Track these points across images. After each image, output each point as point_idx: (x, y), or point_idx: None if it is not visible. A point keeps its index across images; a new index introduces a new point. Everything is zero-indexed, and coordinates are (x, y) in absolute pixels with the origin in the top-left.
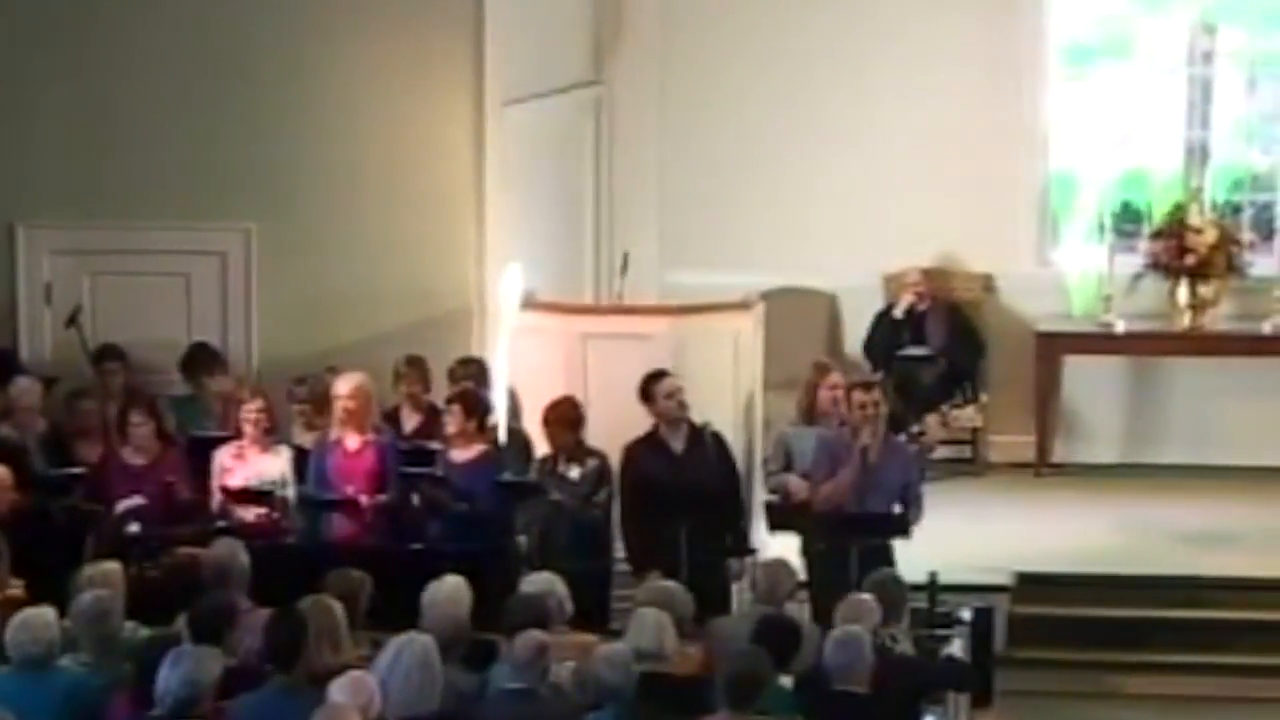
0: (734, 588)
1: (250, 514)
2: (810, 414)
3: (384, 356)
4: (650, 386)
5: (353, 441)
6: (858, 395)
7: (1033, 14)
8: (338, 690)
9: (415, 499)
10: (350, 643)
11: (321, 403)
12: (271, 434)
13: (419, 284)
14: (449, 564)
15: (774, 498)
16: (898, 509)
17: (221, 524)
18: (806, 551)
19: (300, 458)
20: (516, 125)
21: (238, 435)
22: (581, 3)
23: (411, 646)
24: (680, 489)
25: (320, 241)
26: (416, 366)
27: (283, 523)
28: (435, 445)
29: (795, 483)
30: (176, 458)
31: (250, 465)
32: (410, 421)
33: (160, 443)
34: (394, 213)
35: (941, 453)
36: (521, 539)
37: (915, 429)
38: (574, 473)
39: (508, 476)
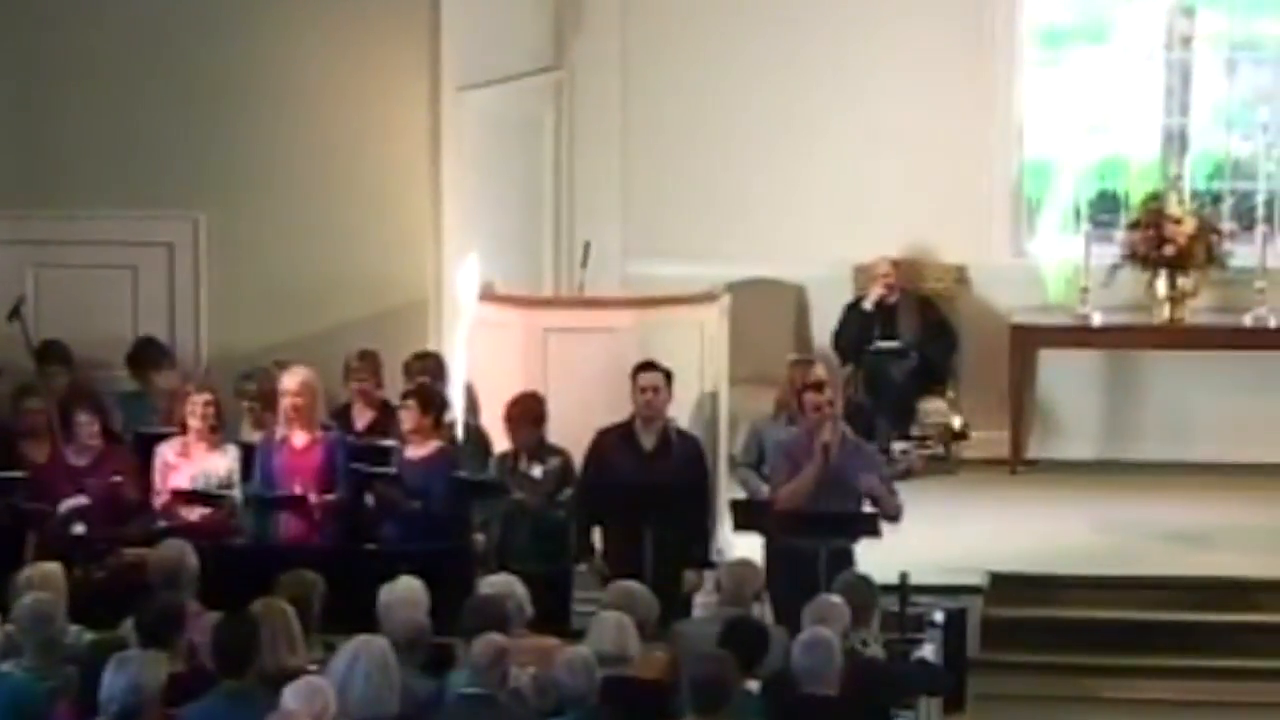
0: (695, 599)
1: (196, 514)
2: (793, 409)
3: (336, 350)
4: (636, 374)
5: (300, 438)
6: (810, 397)
7: None
8: (291, 696)
9: (369, 498)
10: (303, 646)
11: (269, 398)
12: (218, 431)
13: (373, 276)
14: (404, 565)
15: (740, 497)
16: (868, 508)
17: (167, 524)
18: (770, 551)
19: (248, 455)
20: (474, 111)
21: (184, 431)
22: None
23: (369, 649)
24: (645, 488)
25: (271, 232)
26: (369, 361)
27: (231, 523)
28: (389, 442)
29: (756, 486)
30: (122, 456)
31: (196, 463)
32: (363, 418)
33: (105, 441)
34: (347, 202)
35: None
36: (479, 539)
37: (899, 448)
38: (536, 471)
39: (466, 475)
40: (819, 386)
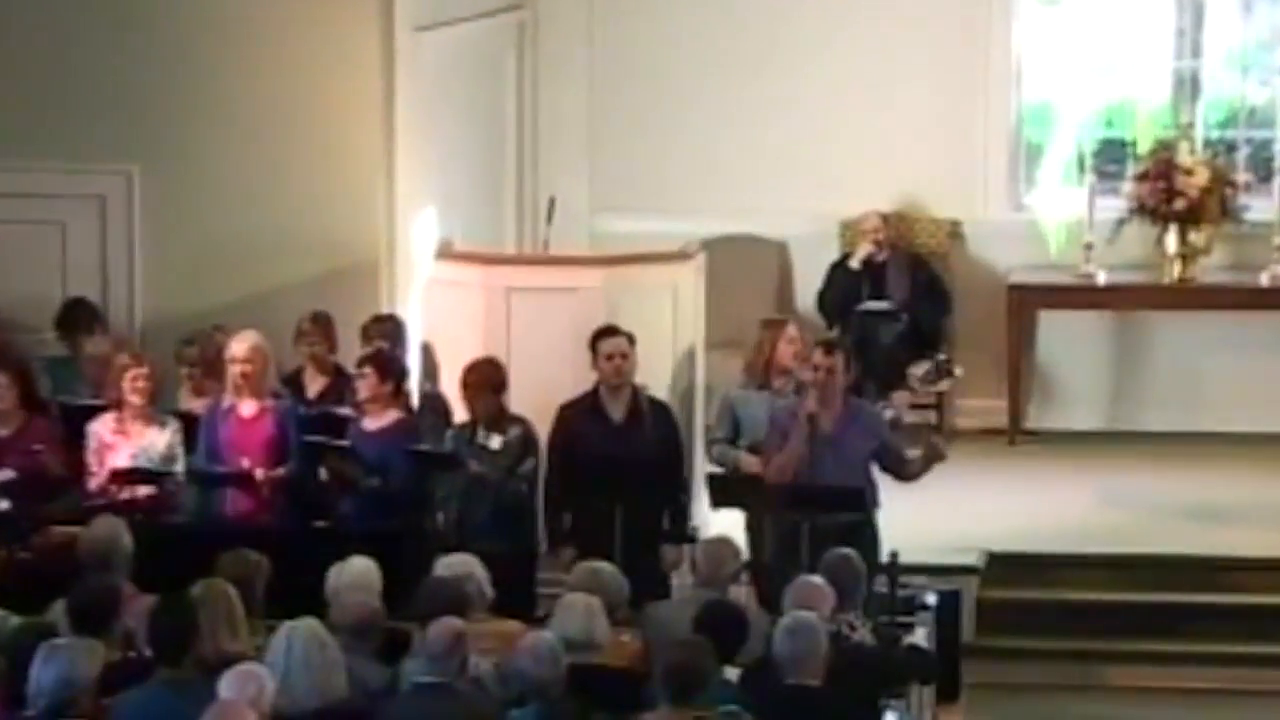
0: (672, 576)
1: (141, 494)
2: (765, 374)
3: (284, 313)
4: (597, 341)
5: (248, 408)
6: (818, 356)
7: None
8: (226, 685)
9: (322, 472)
10: (246, 632)
11: (212, 365)
12: (155, 403)
13: (322, 232)
14: (356, 544)
15: (718, 469)
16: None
17: (100, 501)
18: (751, 528)
19: (188, 426)
20: (430, 54)
21: (116, 404)
22: None
23: (300, 631)
24: (616, 461)
25: (211, 185)
26: (321, 324)
27: (169, 500)
28: (344, 411)
29: (747, 460)
30: (45, 426)
31: (134, 440)
32: (314, 385)
33: (27, 410)
34: (294, 153)
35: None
36: (438, 517)
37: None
38: (495, 442)
39: (422, 446)
40: (829, 348)
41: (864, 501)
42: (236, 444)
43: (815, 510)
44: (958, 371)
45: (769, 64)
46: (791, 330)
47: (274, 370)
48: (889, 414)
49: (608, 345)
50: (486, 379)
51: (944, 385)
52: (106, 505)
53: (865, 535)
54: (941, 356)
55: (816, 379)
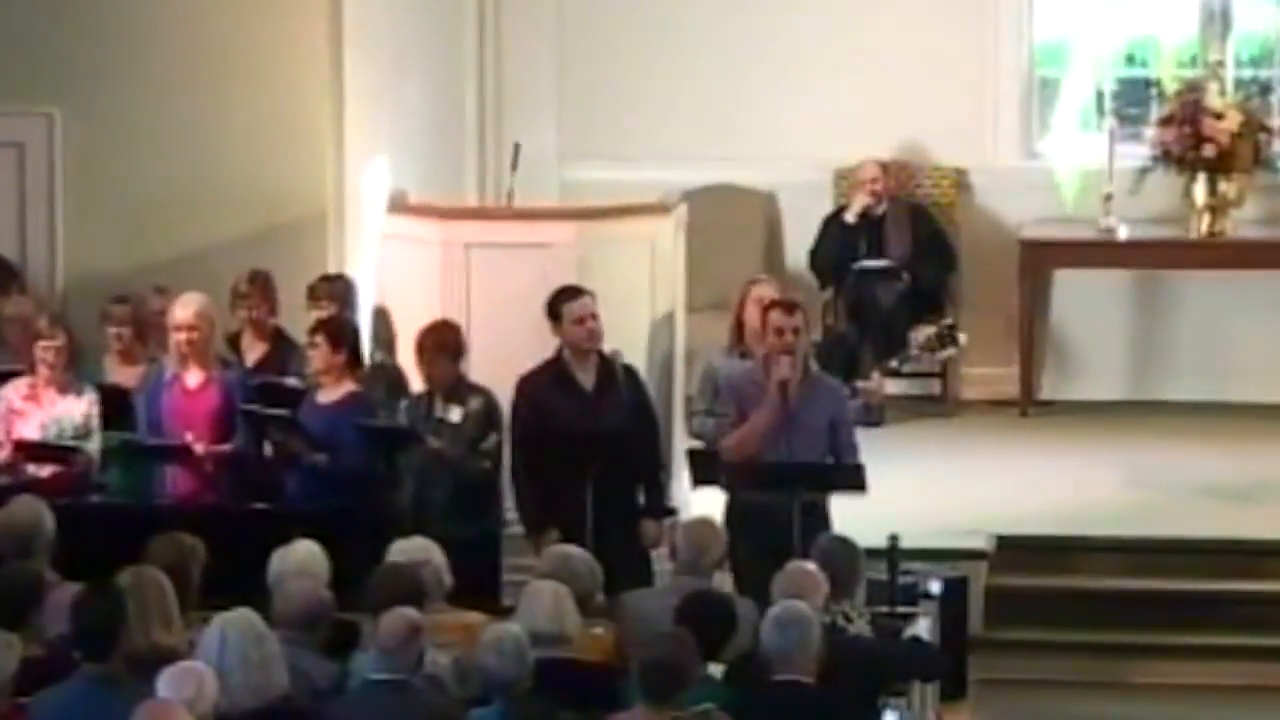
0: (652, 557)
1: (46, 470)
2: (738, 338)
3: (220, 273)
4: (559, 305)
5: (193, 378)
6: (775, 317)
7: None
8: (164, 683)
9: (266, 448)
10: (180, 624)
11: (142, 329)
12: (72, 370)
13: (262, 183)
14: (301, 526)
15: (699, 444)
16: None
17: (10, 481)
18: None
19: (114, 398)
20: None
21: (31, 369)
22: None
23: (235, 623)
24: (588, 434)
25: (141, 131)
26: (259, 285)
27: (86, 479)
28: (290, 382)
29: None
30: None
31: (46, 409)
32: (253, 352)
33: None
34: (232, 96)
35: (902, 387)
36: (393, 497)
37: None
38: (454, 414)
39: (375, 421)
40: (789, 307)
41: (864, 479)
42: (180, 416)
43: (800, 489)
44: (962, 339)
45: None
46: (761, 289)
47: (220, 336)
48: (855, 402)
49: (577, 307)
50: (443, 344)
51: (947, 354)
52: (19, 486)
53: (818, 518)
54: (946, 321)
55: (782, 342)
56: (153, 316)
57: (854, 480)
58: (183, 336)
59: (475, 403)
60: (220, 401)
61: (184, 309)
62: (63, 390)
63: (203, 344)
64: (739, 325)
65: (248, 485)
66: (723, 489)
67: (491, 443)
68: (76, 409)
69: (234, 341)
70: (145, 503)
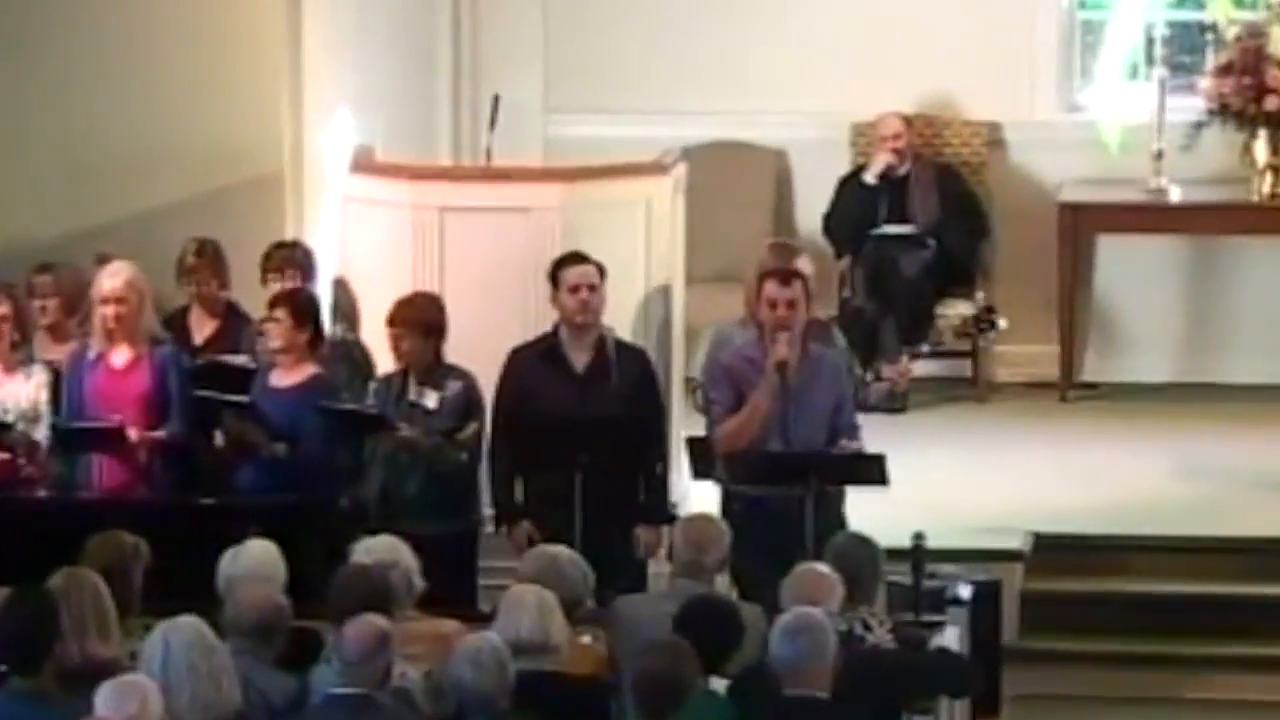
0: (648, 564)
1: None
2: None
3: (166, 238)
4: (557, 270)
5: (120, 356)
6: (771, 289)
7: None
8: (102, 700)
9: (217, 436)
10: (120, 634)
11: (74, 302)
12: (19, 348)
13: (212, 140)
14: (255, 523)
15: (699, 433)
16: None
17: None
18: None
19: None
20: None
21: None
22: None
23: (180, 632)
24: (574, 421)
25: (75, 82)
26: (207, 256)
27: (27, 469)
28: (241, 362)
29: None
30: None
31: None
32: (202, 329)
33: None
34: (176, 42)
35: (928, 368)
36: (359, 490)
37: (884, 370)
38: (430, 399)
39: (341, 404)
40: (785, 276)
41: (885, 471)
42: (105, 399)
43: (822, 483)
44: (1001, 323)
45: None
46: (804, 263)
47: (152, 310)
48: (880, 385)
49: (574, 274)
50: (418, 319)
51: (983, 341)
52: None
53: (831, 511)
54: (981, 301)
55: (777, 317)
56: (83, 288)
57: (874, 472)
58: (109, 310)
59: (454, 387)
60: (151, 382)
61: (109, 279)
62: (9, 369)
63: (131, 318)
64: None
65: (191, 477)
66: (722, 482)
67: (470, 431)
68: (24, 390)
69: (180, 318)
70: (81, 496)
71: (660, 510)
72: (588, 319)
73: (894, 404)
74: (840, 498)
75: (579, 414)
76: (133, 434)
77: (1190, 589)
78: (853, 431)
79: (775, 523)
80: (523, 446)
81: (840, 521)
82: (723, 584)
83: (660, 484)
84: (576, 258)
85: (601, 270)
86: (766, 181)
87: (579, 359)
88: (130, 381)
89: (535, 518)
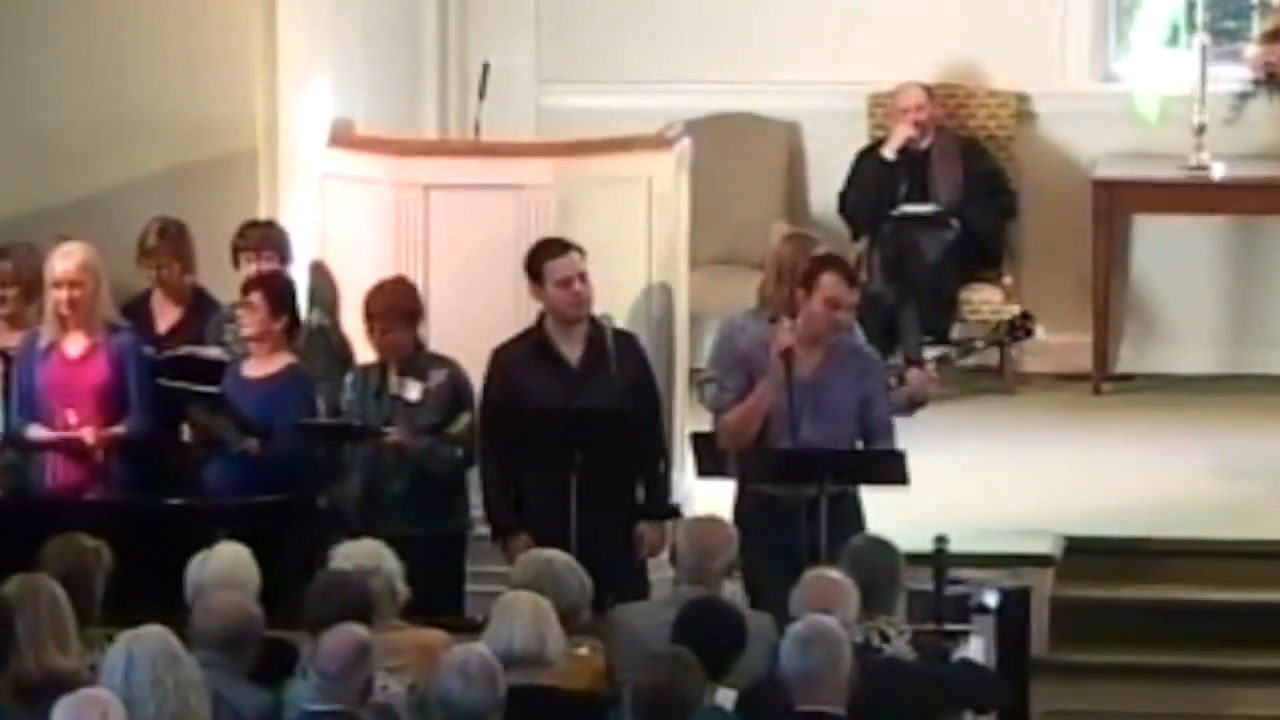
0: (649, 563)
1: None
2: (789, 308)
3: (131, 217)
4: (539, 262)
5: (75, 345)
6: (835, 286)
7: None
8: (57, 716)
9: (185, 431)
10: (79, 644)
11: (33, 287)
12: None
13: (180, 113)
14: (226, 526)
15: (705, 427)
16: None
17: None
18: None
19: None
20: None
21: None
22: None
23: (145, 643)
24: (571, 418)
25: (32, 51)
26: (171, 238)
27: None
28: (210, 353)
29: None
30: None
31: None
32: (165, 317)
33: None
34: (140, 8)
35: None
36: (338, 489)
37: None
38: (412, 391)
39: (323, 420)
40: (852, 276)
41: (905, 469)
42: (59, 392)
43: (837, 482)
44: (1039, 332)
45: None
46: (830, 282)
47: (108, 295)
48: (899, 390)
49: (561, 266)
50: (396, 306)
51: (1016, 351)
52: None
53: (848, 513)
54: (1018, 313)
55: (834, 320)
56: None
57: (893, 470)
58: (62, 294)
59: (438, 377)
60: (109, 374)
61: (62, 261)
62: None
63: (86, 303)
64: (791, 298)
65: (155, 475)
66: (733, 479)
67: (463, 425)
68: None
69: (142, 304)
70: (37, 497)
71: (662, 506)
72: (582, 313)
73: (910, 412)
74: (857, 497)
75: (575, 411)
76: (88, 436)
77: (1233, 596)
78: (887, 433)
79: (790, 524)
80: (514, 448)
81: (859, 524)
82: (733, 591)
83: (660, 483)
84: (559, 246)
85: (581, 252)
86: (777, 157)
87: (572, 352)
88: (85, 372)
89: (529, 522)
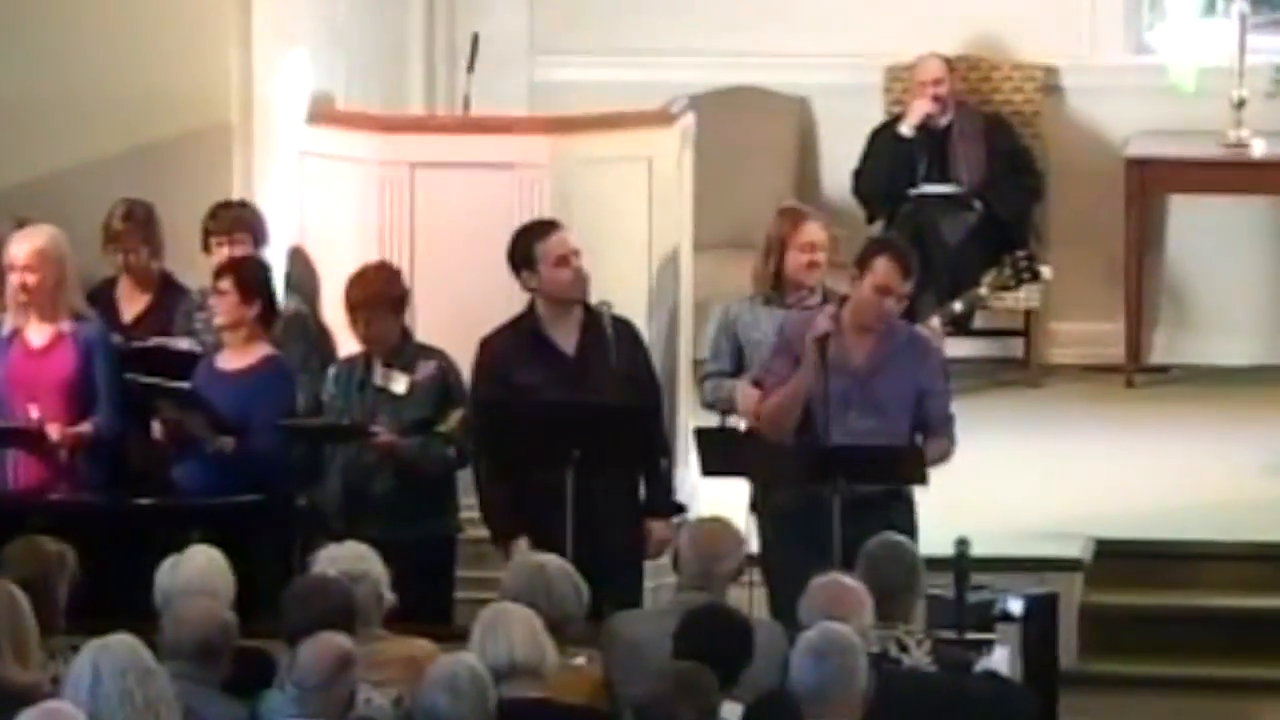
0: (646, 568)
1: None
2: (776, 286)
3: (93, 201)
4: (528, 245)
5: (38, 334)
6: (889, 272)
7: None
8: None
9: (154, 427)
10: (41, 654)
11: None
12: None
13: (147, 86)
14: (198, 528)
15: (709, 424)
16: (919, 440)
17: None
18: (759, 506)
19: None
20: None
21: None
22: None
23: (110, 653)
24: (567, 411)
25: None
26: (137, 220)
27: None
28: (181, 345)
29: (748, 394)
30: None
31: None
32: (132, 304)
33: None
34: None
35: (973, 347)
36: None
37: None
38: (399, 384)
39: (309, 421)
40: (909, 267)
41: (923, 467)
42: (23, 384)
43: (859, 478)
44: (1045, 272)
45: None
46: (810, 230)
47: (76, 282)
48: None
49: (555, 244)
50: (380, 294)
51: (1024, 293)
52: None
53: (898, 515)
54: (1020, 253)
55: (881, 309)
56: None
57: (910, 468)
58: (18, 279)
59: (426, 369)
60: (75, 366)
61: (21, 245)
62: None
63: (46, 290)
64: (777, 274)
65: (123, 474)
66: (749, 479)
67: (455, 420)
68: None
69: (107, 291)
70: None
71: (667, 502)
72: (581, 294)
73: None
74: (910, 496)
75: (571, 404)
76: (53, 432)
77: (1271, 603)
78: (946, 425)
79: (830, 523)
80: (507, 446)
81: (911, 527)
82: (738, 598)
83: (662, 479)
84: (546, 226)
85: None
86: (787, 134)
87: (567, 340)
88: (50, 364)
89: (524, 526)
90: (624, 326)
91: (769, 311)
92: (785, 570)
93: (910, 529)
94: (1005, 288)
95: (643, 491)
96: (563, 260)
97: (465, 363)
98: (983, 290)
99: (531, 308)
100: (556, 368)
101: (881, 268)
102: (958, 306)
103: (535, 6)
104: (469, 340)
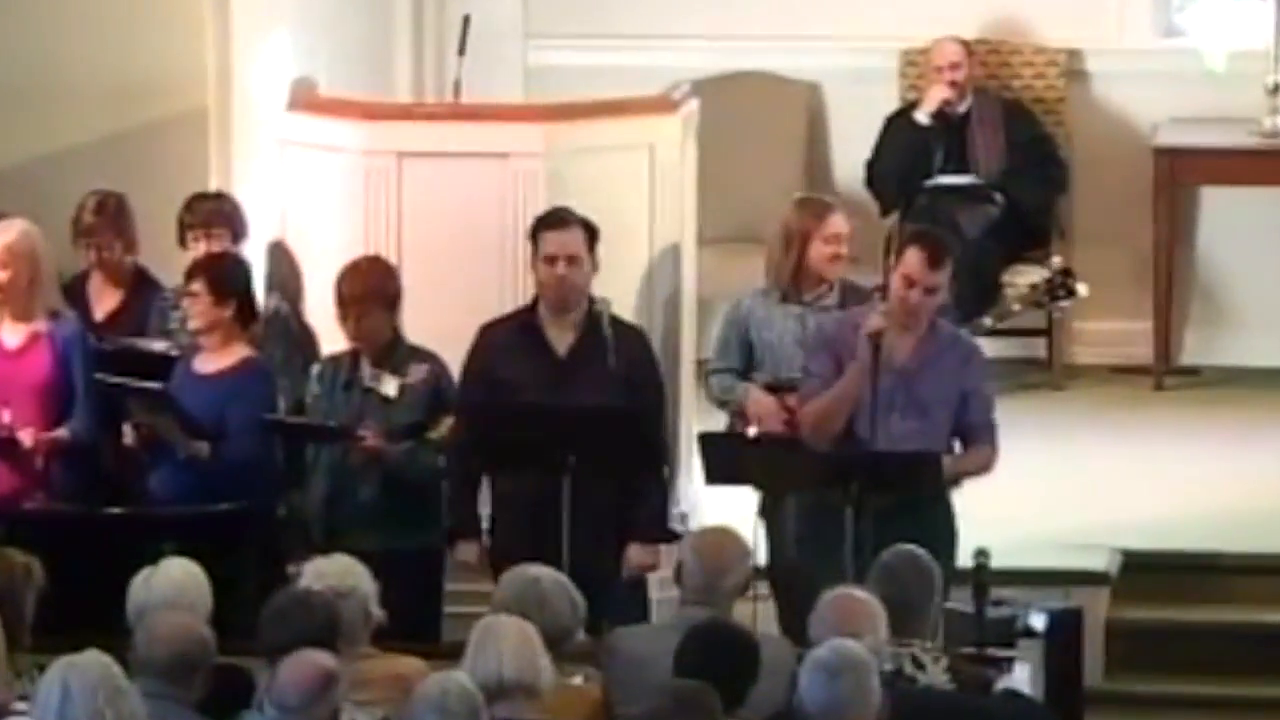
0: (649, 580)
1: None
2: (794, 281)
3: (63, 192)
4: (537, 230)
5: (13, 335)
6: (919, 264)
7: None
8: None
9: (126, 432)
10: (8, 672)
11: None
12: None
13: (120, 71)
14: (173, 539)
15: (713, 429)
16: (958, 445)
17: None
18: (769, 514)
19: None
20: None
21: None
22: None
23: (80, 670)
24: (556, 414)
25: None
26: (110, 213)
27: None
28: (157, 345)
29: (759, 400)
30: None
31: None
32: (104, 301)
33: None
34: None
35: (994, 348)
36: (302, 498)
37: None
38: (389, 386)
39: (293, 419)
40: (940, 256)
41: (940, 474)
42: None
43: (872, 486)
44: (1081, 289)
45: None
46: (835, 223)
47: (52, 279)
48: None
49: (550, 242)
50: (374, 289)
51: (1059, 309)
52: None
53: (935, 522)
54: (1056, 261)
55: (912, 303)
56: None
57: (928, 476)
58: None
59: (417, 372)
60: (51, 368)
61: None
62: None
63: (20, 288)
64: (798, 268)
65: (94, 481)
66: (756, 486)
67: (445, 428)
68: None
69: (79, 288)
70: None
71: (658, 524)
72: (564, 298)
73: None
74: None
75: (562, 407)
76: (26, 438)
77: None
78: (988, 430)
79: (836, 532)
80: (493, 445)
81: (950, 537)
82: (745, 613)
83: (659, 491)
84: (560, 220)
85: (592, 232)
86: (796, 122)
87: (560, 340)
88: (26, 366)
89: (513, 533)
90: (627, 330)
91: (784, 310)
92: (796, 583)
93: (950, 535)
94: (1039, 305)
95: (640, 504)
96: (550, 259)
97: (455, 364)
98: (1014, 306)
99: (535, 301)
100: (545, 367)
101: (908, 258)
102: (987, 321)
103: None
104: (457, 339)
